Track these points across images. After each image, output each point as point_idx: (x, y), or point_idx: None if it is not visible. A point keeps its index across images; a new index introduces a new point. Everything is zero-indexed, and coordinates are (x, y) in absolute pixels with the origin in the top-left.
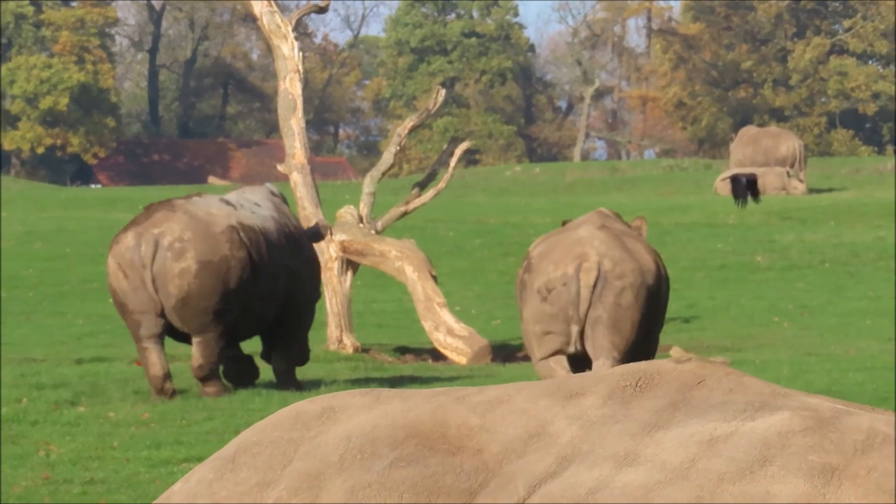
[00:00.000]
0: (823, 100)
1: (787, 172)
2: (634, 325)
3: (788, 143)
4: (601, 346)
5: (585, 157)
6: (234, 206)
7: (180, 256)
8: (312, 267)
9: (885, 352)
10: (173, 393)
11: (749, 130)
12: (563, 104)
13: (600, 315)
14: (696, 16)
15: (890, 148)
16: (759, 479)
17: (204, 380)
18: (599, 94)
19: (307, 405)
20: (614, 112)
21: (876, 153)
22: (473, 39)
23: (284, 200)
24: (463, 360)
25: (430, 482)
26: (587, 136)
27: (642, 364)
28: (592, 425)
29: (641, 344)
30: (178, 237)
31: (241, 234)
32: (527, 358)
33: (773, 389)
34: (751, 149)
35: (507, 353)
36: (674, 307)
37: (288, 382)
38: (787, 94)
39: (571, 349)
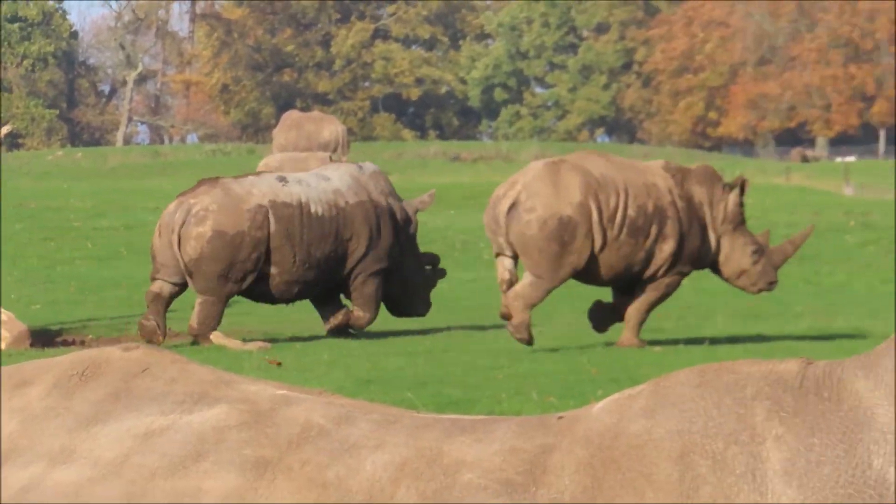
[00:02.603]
0: (367, 84)
1: (331, 157)
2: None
3: (331, 127)
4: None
5: (128, 141)
6: (287, 183)
7: (201, 223)
8: (377, 239)
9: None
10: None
11: (292, 115)
12: (105, 88)
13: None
14: (239, 0)
15: (433, 132)
16: (192, 475)
17: (197, 338)
18: (142, 79)
19: None
20: (157, 97)
21: (418, 138)
22: (16, 25)
23: (384, 179)
24: (1, 344)
25: None
26: (130, 120)
27: (93, 351)
28: (35, 419)
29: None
30: (204, 207)
31: (270, 213)
32: (66, 343)
33: (217, 377)
34: (294, 133)
35: (46, 338)
36: None
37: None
38: (330, 79)
39: (508, 253)
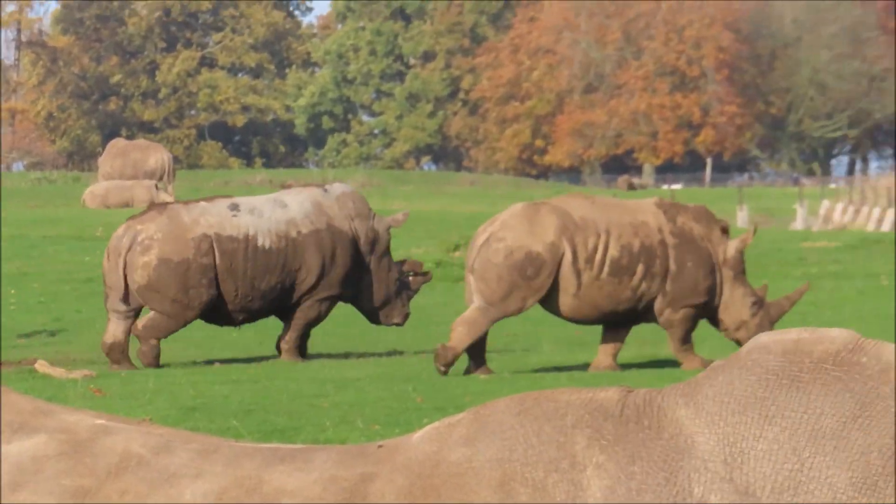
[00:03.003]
0: (193, 112)
1: (156, 185)
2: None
3: (157, 155)
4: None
5: None
6: (238, 212)
7: (146, 251)
8: (330, 265)
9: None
10: (118, 361)
11: (118, 143)
12: None
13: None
14: (66, 28)
15: (259, 160)
16: None
17: (140, 340)
18: None
19: None
20: None
21: (245, 166)
22: None
23: (353, 200)
24: None
25: None
26: None
27: None
28: None
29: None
30: (150, 235)
31: (215, 245)
32: None
33: (36, 406)
34: (120, 161)
35: None
36: (40, 320)
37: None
38: (156, 107)
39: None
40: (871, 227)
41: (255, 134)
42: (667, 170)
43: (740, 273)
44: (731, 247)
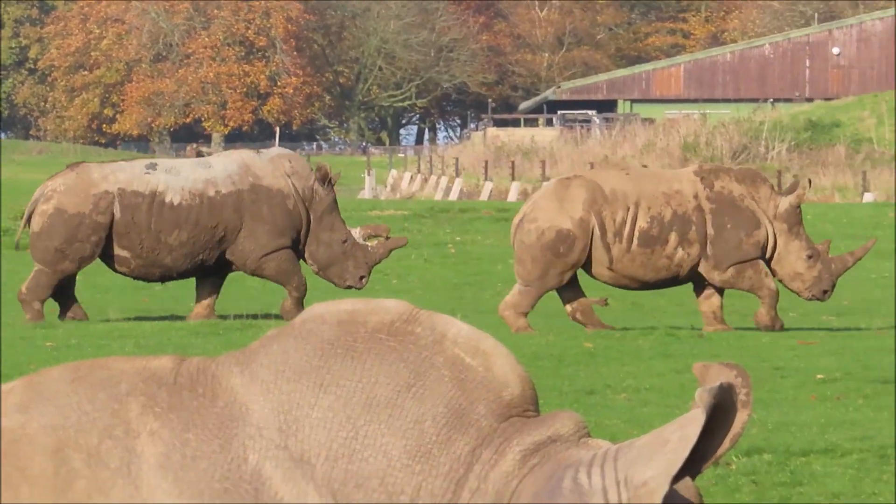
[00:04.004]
0: None
1: None
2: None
3: None
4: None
5: None
6: (153, 170)
7: (47, 201)
8: (255, 224)
9: None
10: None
11: None
12: None
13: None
14: None
15: None
16: None
17: (23, 303)
18: None
19: None
20: None
21: None
22: None
23: (290, 161)
24: None
25: None
26: None
27: None
28: None
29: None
30: (54, 187)
31: (117, 201)
32: None
33: None
34: None
35: None
36: None
37: None
38: None
39: None
40: (438, 196)
41: None
42: (236, 139)
43: (795, 226)
44: (785, 201)
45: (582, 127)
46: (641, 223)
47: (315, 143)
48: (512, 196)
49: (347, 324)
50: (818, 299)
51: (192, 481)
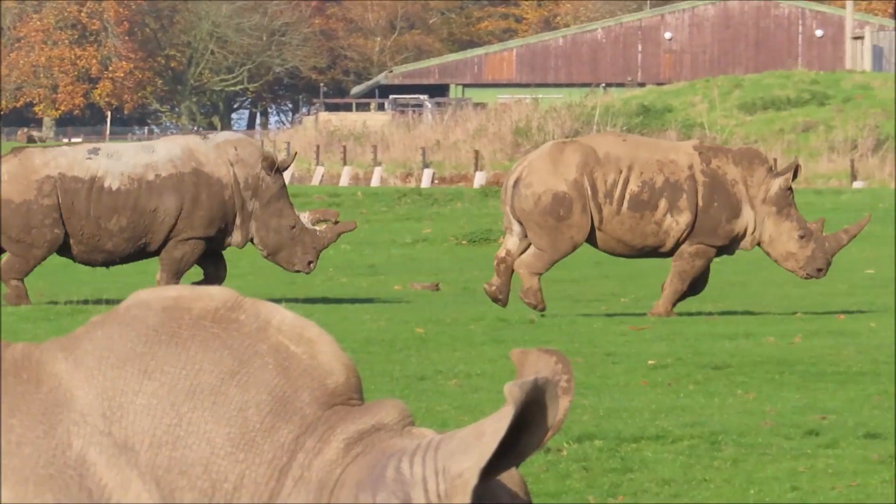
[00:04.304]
0: None
1: None
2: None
3: None
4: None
5: None
6: (95, 155)
7: None
8: (194, 207)
9: None
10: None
11: None
12: None
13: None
14: None
15: None
16: None
17: (2, 281)
18: None
19: None
20: None
21: None
22: None
23: (236, 146)
24: None
25: None
26: None
27: None
28: None
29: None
30: None
31: (58, 186)
32: None
33: None
34: None
35: None
36: None
37: None
38: None
39: (513, 227)
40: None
41: None
42: (67, 122)
43: (785, 208)
44: (775, 184)
45: (414, 111)
46: (633, 187)
47: (147, 128)
48: (343, 181)
49: (172, 310)
50: (814, 277)
51: (17, 467)
